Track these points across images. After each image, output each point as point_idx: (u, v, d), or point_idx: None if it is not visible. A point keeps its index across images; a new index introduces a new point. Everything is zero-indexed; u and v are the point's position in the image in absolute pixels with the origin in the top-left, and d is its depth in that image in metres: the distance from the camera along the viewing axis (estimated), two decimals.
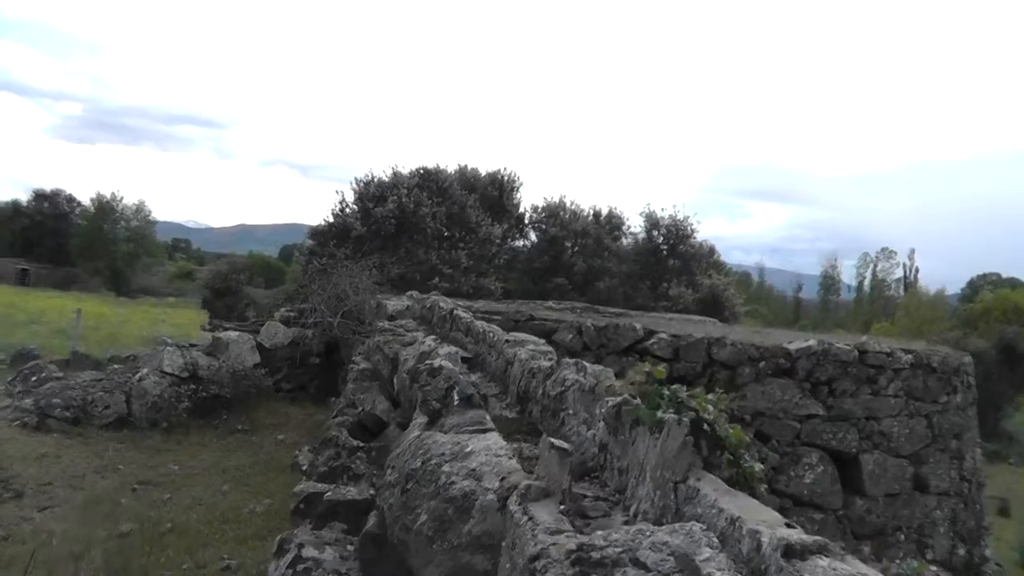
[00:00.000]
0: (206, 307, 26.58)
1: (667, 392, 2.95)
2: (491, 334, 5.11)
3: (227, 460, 11.34)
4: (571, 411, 3.51)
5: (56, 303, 40.19)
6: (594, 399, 3.25)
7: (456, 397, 3.40)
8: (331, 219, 24.82)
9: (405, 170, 26.33)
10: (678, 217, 35.78)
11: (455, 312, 6.88)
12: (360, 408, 5.28)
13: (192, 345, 14.49)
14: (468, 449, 2.91)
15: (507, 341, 4.63)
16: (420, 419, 3.38)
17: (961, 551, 12.57)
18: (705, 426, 2.72)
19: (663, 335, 11.57)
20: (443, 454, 2.95)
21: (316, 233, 24.73)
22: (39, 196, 67.23)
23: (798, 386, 11.79)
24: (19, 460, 10.26)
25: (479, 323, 5.75)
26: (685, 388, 3.19)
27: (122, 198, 66.61)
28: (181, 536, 8.27)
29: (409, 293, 13.45)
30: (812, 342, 12.11)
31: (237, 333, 13.70)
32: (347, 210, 24.98)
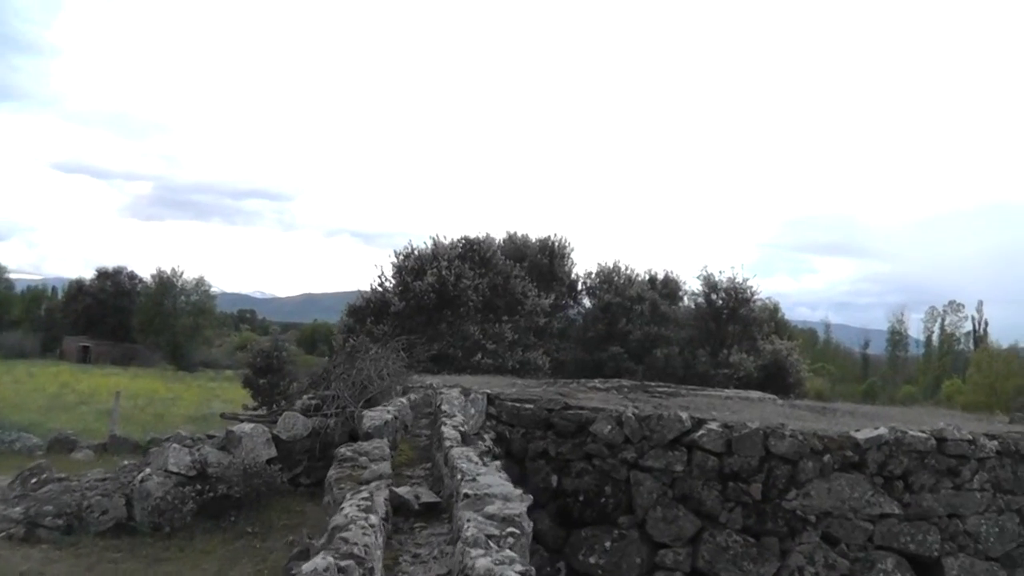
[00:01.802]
0: (247, 385, 25.86)
1: None
2: (457, 475, 3.96)
3: (230, 570, 10.25)
4: None
5: (111, 381, 40.27)
6: None
7: None
8: (368, 293, 24.05)
9: (447, 240, 25.57)
10: (737, 280, 34.29)
11: (442, 429, 5.75)
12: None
13: (210, 436, 13.59)
14: None
15: (465, 496, 3.48)
16: None
17: None
18: None
19: (713, 425, 10.24)
20: None
21: (353, 310, 23.94)
22: (101, 274, 68.94)
23: (869, 481, 10.37)
24: None
25: (455, 452, 4.60)
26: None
27: (182, 273, 67.73)
28: None
29: (420, 386, 12.36)
30: (883, 430, 10.67)
31: (251, 426, 12.70)
32: (385, 284, 24.24)
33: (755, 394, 17.11)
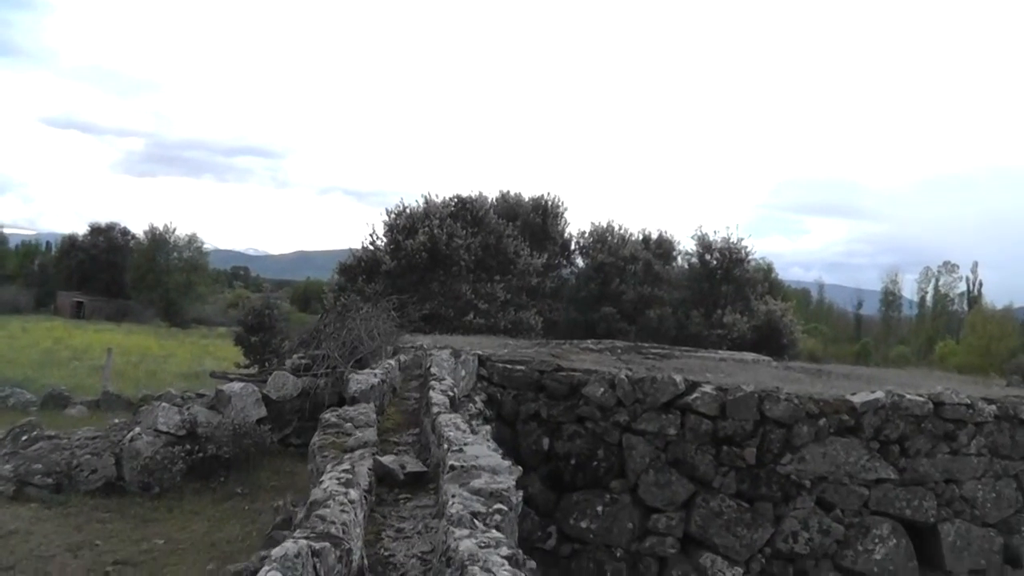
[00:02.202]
0: (239, 343, 25.71)
1: None
2: (444, 444, 3.81)
3: (218, 532, 10.20)
4: None
5: (104, 337, 40.16)
6: None
7: None
8: (359, 251, 23.79)
9: (439, 199, 25.24)
10: (731, 239, 34.09)
11: (431, 394, 5.59)
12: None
13: (200, 395, 13.48)
14: None
15: (451, 468, 3.33)
16: None
17: None
18: None
19: (707, 388, 10.13)
20: None
21: (344, 268, 23.69)
22: (94, 230, 68.45)
23: (865, 446, 10.29)
24: None
25: (442, 419, 4.45)
26: None
27: (175, 229, 67.30)
28: None
29: (410, 347, 12.22)
30: (879, 394, 10.57)
31: (241, 385, 12.60)
32: (377, 243, 23.96)
33: (749, 356, 17.04)
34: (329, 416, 4.94)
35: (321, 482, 3.13)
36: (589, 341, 15.60)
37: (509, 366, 10.78)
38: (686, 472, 10.02)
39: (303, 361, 13.55)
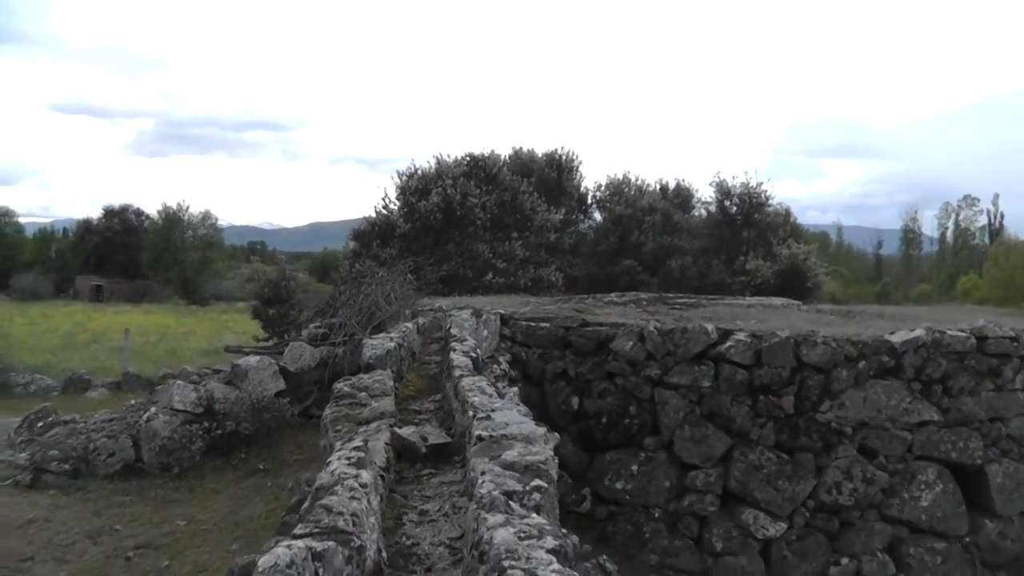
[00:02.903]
0: (256, 317, 25.42)
1: None
2: (469, 411, 3.37)
3: (241, 510, 9.89)
4: None
5: (123, 318, 40.19)
6: None
7: None
8: (373, 216, 23.30)
9: (450, 158, 24.63)
10: (751, 184, 33.32)
11: (451, 356, 5.14)
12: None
13: (217, 371, 13.16)
14: None
15: (479, 439, 2.89)
16: None
17: None
18: None
19: (741, 336, 9.64)
20: None
21: (358, 234, 23.21)
22: (108, 212, 68.69)
23: (906, 387, 9.79)
24: (1, 530, 8.96)
25: (466, 383, 4.01)
26: None
27: (188, 207, 67.30)
28: None
29: (429, 310, 11.78)
30: (920, 332, 10.05)
31: (257, 358, 12.23)
32: (390, 206, 23.45)
33: (777, 300, 16.52)
34: (342, 386, 4.51)
35: (329, 463, 2.70)
36: (613, 294, 15.13)
37: (533, 324, 10.35)
38: (722, 425, 9.59)
39: (320, 330, 13.16)
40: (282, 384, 12.09)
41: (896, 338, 10.03)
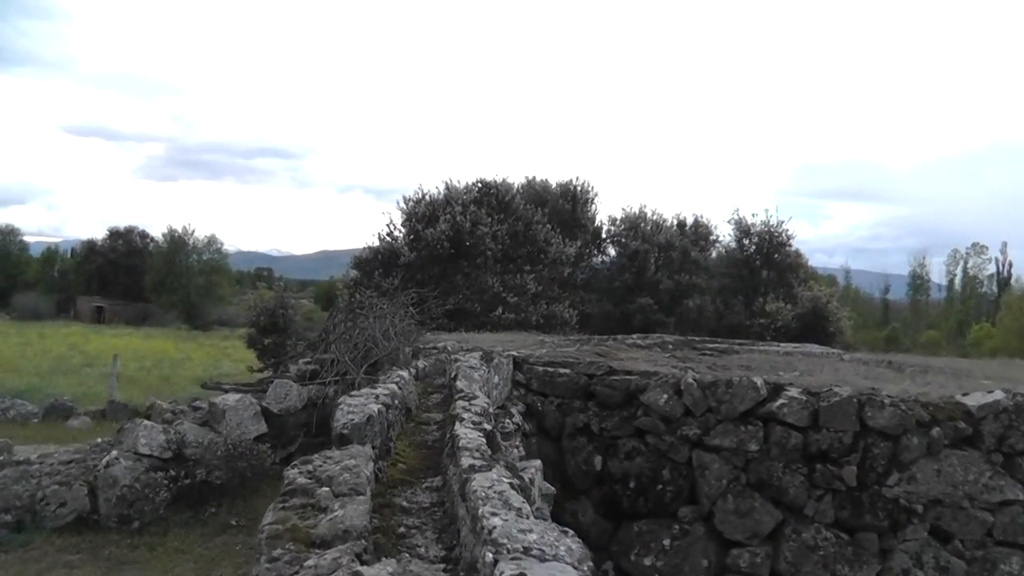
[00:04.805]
0: (252, 346, 24.09)
1: None
2: (487, 549, 2.02)
3: None
4: None
5: (122, 342, 39.19)
6: None
7: None
8: (377, 243, 21.97)
9: (460, 184, 23.34)
10: (771, 222, 32.03)
11: (457, 428, 3.79)
12: None
13: (195, 408, 11.79)
14: None
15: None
16: None
17: None
18: None
19: (794, 392, 8.24)
20: None
21: (360, 262, 21.87)
22: (113, 234, 67.98)
23: (986, 460, 8.34)
24: None
25: (479, 486, 2.66)
26: None
27: (194, 231, 66.53)
28: None
29: (432, 348, 10.43)
30: (999, 395, 8.63)
31: (237, 397, 10.86)
32: (395, 233, 22.14)
33: (815, 348, 15.11)
34: (295, 474, 3.17)
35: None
36: (635, 336, 13.76)
37: (551, 369, 8.99)
38: (772, 496, 8.18)
39: (310, 367, 11.82)
40: (264, 427, 10.71)
41: (972, 401, 8.63)
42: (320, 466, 3.27)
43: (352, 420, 3.91)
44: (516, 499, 2.57)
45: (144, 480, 9.55)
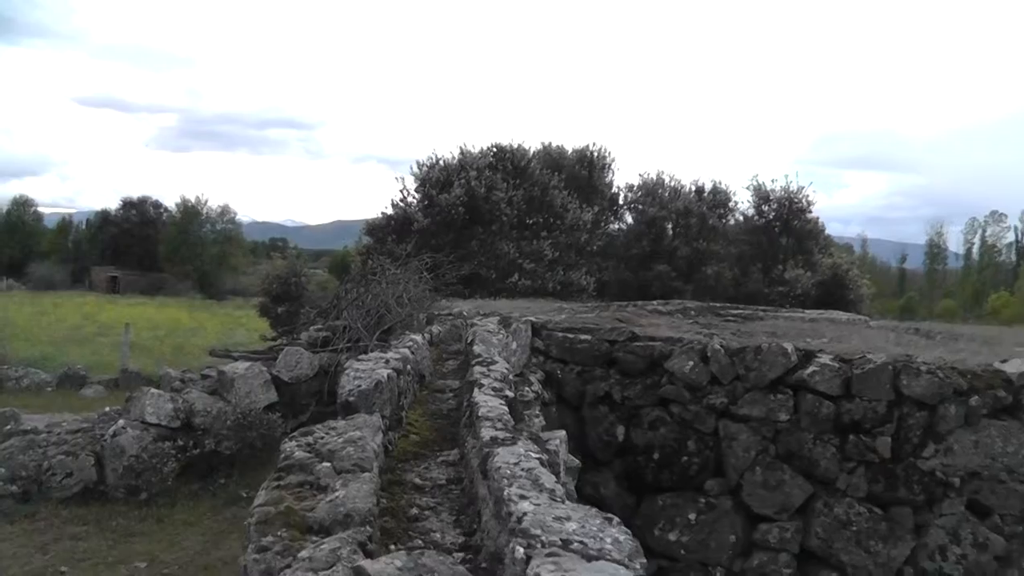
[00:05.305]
0: (264, 314, 23.83)
1: None
2: (517, 542, 1.66)
3: (215, 550, 8.21)
4: None
5: (136, 311, 39.23)
6: None
7: None
8: (390, 210, 21.55)
9: (475, 149, 22.82)
10: (791, 188, 31.39)
11: (476, 395, 3.43)
12: None
13: (204, 376, 11.51)
14: None
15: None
16: None
17: None
18: None
19: (825, 359, 7.85)
20: None
21: (372, 228, 21.46)
22: (127, 204, 67.92)
23: None
24: None
25: (503, 461, 2.29)
26: None
27: (207, 201, 66.31)
28: None
29: (447, 314, 10.07)
30: None
31: (246, 365, 10.58)
32: (408, 199, 21.71)
33: (841, 315, 14.67)
34: (292, 447, 2.83)
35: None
36: (655, 302, 13.36)
37: (570, 336, 8.62)
38: (802, 469, 7.82)
39: (321, 334, 11.50)
40: (274, 396, 10.44)
41: (1012, 368, 8.21)
42: (321, 438, 2.92)
43: (359, 386, 3.55)
44: (548, 478, 2.22)
45: (152, 450, 9.31)
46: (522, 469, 2.26)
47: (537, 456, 2.44)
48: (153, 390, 10.02)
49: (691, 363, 8.07)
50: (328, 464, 2.57)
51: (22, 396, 16.50)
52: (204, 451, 9.50)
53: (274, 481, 2.56)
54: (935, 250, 76.80)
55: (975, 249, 74.83)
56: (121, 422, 9.56)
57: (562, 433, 4.05)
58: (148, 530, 8.65)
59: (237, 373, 10.31)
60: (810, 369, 7.89)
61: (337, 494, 2.25)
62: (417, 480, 3.25)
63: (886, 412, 7.81)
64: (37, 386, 18.06)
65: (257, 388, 10.30)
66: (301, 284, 23.12)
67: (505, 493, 2.05)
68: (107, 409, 11.36)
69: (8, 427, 10.53)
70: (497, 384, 3.81)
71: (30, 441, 9.75)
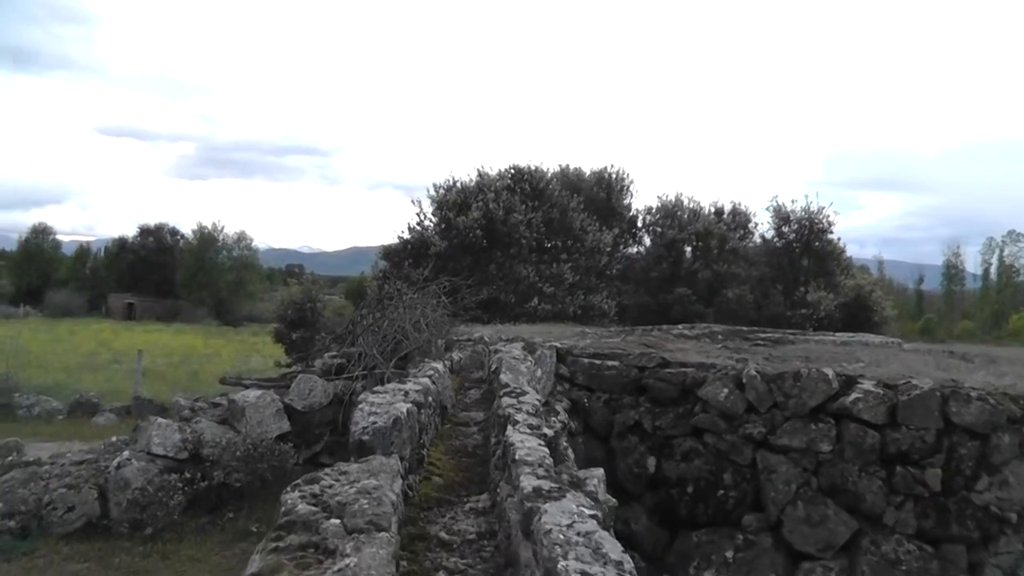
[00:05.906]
0: (279, 340, 23.51)
1: None
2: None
3: None
4: None
5: (152, 338, 39.19)
6: None
7: None
8: (407, 234, 21.20)
9: (493, 171, 22.48)
10: (811, 208, 30.92)
11: (509, 434, 3.00)
12: None
13: (215, 404, 11.13)
14: None
15: None
16: None
17: None
18: None
19: (868, 385, 7.37)
20: None
21: (389, 252, 21.12)
22: (144, 231, 68.37)
23: None
24: None
25: (552, 522, 1.86)
26: None
27: (223, 228, 66.70)
28: None
29: (467, 340, 9.66)
30: None
31: (258, 393, 10.17)
32: (425, 223, 21.36)
33: (873, 338, 14.16)
34: (296, 498, 2.40)
35: None
36: (681, 326, 12.91)
37: (597, 362, 8.18)
38: (847, 504, 7.34)
39: (336, 361, 11.10)
40: (286, 425, 10.02)
41: None
42: (330, 487, 2.50)
43: (375, 423, 3.12)
44: (612, 546, 1.78)
45: (158, 483, 8.88)
46: (577, 534, 1.83)
47: (591, 513, 2.00)
48: (160, 420, 9.63)
49: (726, 390, 7.61)
50: (337, 521, 2.14)
51: (33, 424, 16.32)
52: (213, 483, 9.07)
53: (272, 542, 2.13)
54: (952, 271, 76.06)
55: (993, 270, 73.91)
56: (126, 453, 9.17)
57: (600, 472, 3.63)
58: (153, 567, 8.22)
59: (248, 402, 9.91)
60: (853, 396, 7.42)
61: (348, 561, 1.83)
62: (443, 534, 2.80)
63: (935, 442, 7.33)
64: (48, 414, 17.88)
65: (269, 417, 9.89)
66: (317, 310, 22.80)
67: (559, 566, 1.62)
68: (113, 439, 10.99)
69: (10, 458, 10.16)
70: (533, 420, 3.35)
71: (32, 473, 9.37)
